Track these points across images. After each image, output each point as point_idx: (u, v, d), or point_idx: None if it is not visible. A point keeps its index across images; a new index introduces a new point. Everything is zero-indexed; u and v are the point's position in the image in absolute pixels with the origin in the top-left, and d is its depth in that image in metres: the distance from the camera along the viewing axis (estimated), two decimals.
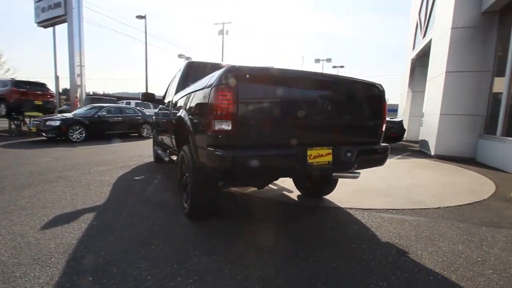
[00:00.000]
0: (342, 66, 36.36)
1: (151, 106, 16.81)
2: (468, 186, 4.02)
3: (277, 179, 3.07)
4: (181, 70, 3.64)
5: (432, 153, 6.77)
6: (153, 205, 2.86)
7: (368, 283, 1.59)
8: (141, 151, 6.85)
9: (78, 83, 12.14)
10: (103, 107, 9.39)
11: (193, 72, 3.47)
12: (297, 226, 2.45)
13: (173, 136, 3.20)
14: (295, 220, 2.59)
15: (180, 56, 30.93)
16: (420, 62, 11.12)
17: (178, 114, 2.62)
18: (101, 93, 43.60)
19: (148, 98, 4.62)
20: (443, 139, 6.70)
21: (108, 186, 3.52)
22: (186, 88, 2.88)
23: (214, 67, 3.56)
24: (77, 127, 8.15)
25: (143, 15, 21.69)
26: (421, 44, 9.88)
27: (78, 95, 12.13)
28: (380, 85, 2.40)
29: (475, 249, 2.06)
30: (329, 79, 2.20)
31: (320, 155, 2.01)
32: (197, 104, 2.11)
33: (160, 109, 4.46)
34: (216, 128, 1.75)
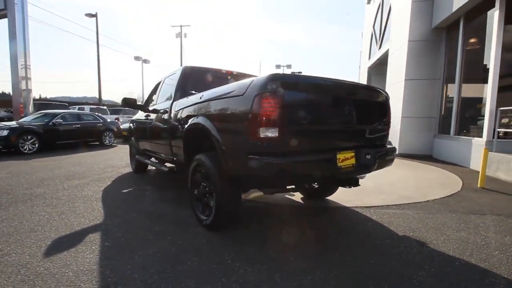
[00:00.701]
0: (300, 72, 38.58)
1: (108, 112, 15.57)
2: (439, 180, 4.55)
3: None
4: (176, 76, 3.46)
5: (396, 152, 7.50)
6: (159, 218, 2.66)
7: (410, 274, 1.72)
8: (111, 161, 6.29)
9: (23, 87, 10.60)
10: (58, 113, 8.38)
11: (191, 78, 3.33)
12: (315, 227, 2.51)
13: (176, 145, 3.03)
14: (311, 222, 2.65)
15: (136, 58, 29.00)
16: (376, 71, 12.28)
17: (193, 122, 2.49)
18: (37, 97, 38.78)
19: (129, 103, 4.29)
20: (404, 139, 7.48)
21: (96, 202, 3.17)
22: (193, 96, 2.76)
23: (217, 73, 3.48)
24: (28, 137, 7.12)
25: (93, 13, 20.08)
26: (377, 54, 10.92)
27: (23, 100, 10.58)
28: (386, 92, 2.62)
29: (475, 234, 2.35)
30: (355, 86, 2.34)
31: (346, 158, 2.11)
32: (231, 112, 2.05)
33: (146, 116, 4.16)
34: (261, 136, 1.72)
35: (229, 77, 3.55)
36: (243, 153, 1.85)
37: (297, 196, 3.48)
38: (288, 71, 33.68)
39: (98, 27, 20.07)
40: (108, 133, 9.50)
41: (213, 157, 2.27)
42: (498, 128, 4.89)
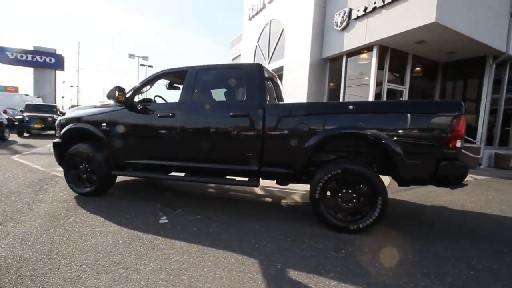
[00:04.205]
0: (151, 66, 36.11)
1: None
2: None
3: None
4: (241, 73, 3.09)
5: None
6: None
7: None
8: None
9: None
10: None
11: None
12: (386, 222, 3.31)
13: (278, 152, 2.83)
14: None
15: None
16: None
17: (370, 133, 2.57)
18: None
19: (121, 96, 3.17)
20: None
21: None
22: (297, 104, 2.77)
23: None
24: None
25: None
26: (267, 67, 12.80)
27: None
28: None
29: (482, 196, 4.11)
30: None
31: None
32: (421, 127, 2.51)
33: (163, 115, 3.16)
34: (457, 146, 2.36)
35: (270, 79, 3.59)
36: (434, 159, 2.40)
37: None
38: (145, 63, 30.55)
39: None
40: None
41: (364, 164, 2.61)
42: None
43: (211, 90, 3.48)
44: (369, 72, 8.20)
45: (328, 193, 2.71)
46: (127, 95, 3.33)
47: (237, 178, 3.08)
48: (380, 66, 8.12)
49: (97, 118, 3.47)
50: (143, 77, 37.48)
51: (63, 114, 18.45)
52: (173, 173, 3.49)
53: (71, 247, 2.15)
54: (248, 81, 3.01)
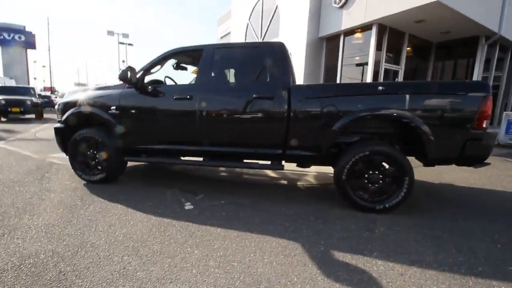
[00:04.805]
0: (131, 44, 34.30)
1: None
2: None
3: None
4: (264, 52, 2.97)
5: None
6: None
7: None
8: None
9: None
10: None
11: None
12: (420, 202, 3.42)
13: (306, 134, 2.77)
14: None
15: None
16: None
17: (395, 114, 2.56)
18: None
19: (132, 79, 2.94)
20: None
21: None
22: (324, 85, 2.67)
23: None
24: None
25: None
26: None
27: None
28: None
29: (481, 173, 4.29)
30: None
31: None
32: (451, 108, 2.51)
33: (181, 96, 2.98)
34: (484, 126, 2.40)
35: None
36: (461, 140, 2.44)
37: None
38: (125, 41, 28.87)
39: None
40: None
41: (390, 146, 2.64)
42: None
43: (231, 70, 3.30)
44: (367, 51, 8.15)
45: (355, 174, 2.73)
46: (137, 76, 3.10)
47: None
48: (378, 46, 8.09)
49: (104, 101, 3.22)
50: (123, 56, 35.54)
51: (42, 97, 17.30)
52: (188, 158, 3.38)
53: (104, 238, 2.05)
54: (272, 61, 2.87)
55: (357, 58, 8.78)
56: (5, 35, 24.17)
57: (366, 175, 2.70)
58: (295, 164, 3.10)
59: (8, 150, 5.32)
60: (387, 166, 2.67)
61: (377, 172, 2.68)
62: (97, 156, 3.30)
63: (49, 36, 33.57)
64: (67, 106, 3.43)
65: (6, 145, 5.89)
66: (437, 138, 2.53)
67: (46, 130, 8.52)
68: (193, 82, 3.96)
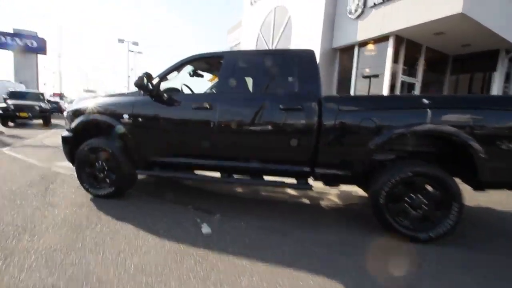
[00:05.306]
0: (140, 52, 35.02)
1: None
2: None
3: None
4: (295, 60, 2.73)
5: None
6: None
7: None
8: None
9: None
10: None
11: None
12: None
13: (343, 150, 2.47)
14: None
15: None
16: None
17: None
18: None
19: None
20: None
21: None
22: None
23: None
24: None
25: None
26: None
27: None
28: None
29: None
30: None
31: None
32: None
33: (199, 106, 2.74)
34: None
35: None
36: None
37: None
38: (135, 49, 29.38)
39: None
40: None
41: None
42: None
43: (254, 79, 3.06)
44: (383, 63, 7.92)
45: (394, 197, 2.42)
46: (154, 83, 2.88)
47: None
48: (395, 58, 7.86)
49: (117, 109, 2.99)
50: (132, 64, 36.02)
51: (51, 102, 17.36)
52: (202, 172, 3.11)
53: (112, 269, 1.76)
54: (300, 69, 2.63)
55: (371, 69, 8.56)
56: (18, 40, 24.62)
57: (407, 199, 2.39)
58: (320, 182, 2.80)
59: (13, 157, 5.11)
60: (430, 188, 2.37)
61: (420, 196, 2.37)
62: (106, 168, 3.05)
63: (61, 42, 34.28)
64: (76, 113, 3.21)
65: (11, 151, 5.69)
66: (492, 159, 2.23)
67: (54, 137, 8.36)
68: (208, 90, 3.76)
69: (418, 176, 2.33)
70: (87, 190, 3.11)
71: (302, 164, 2.61)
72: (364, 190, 3.04)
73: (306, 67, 2.62)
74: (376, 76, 8.34)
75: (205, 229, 2.43)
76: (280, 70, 2.82)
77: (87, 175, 3.11)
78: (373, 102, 2.56)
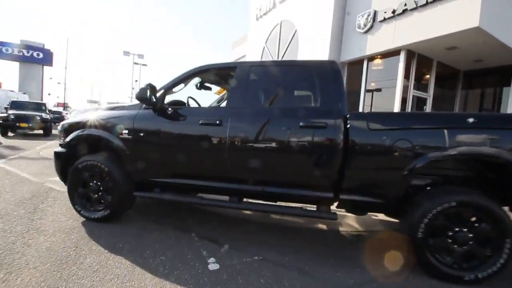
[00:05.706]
0: (145, 65, 35.12)
1: None
2: None
3: None
4: (315, 72, 2.43)
5: None
6: None
7: None
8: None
9: None
10: None
11: None
12: None
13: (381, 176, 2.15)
14: None
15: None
16: None
17: None
18: None
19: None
20: None
21: None
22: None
23: None
24: None
25: None
26: None
27: None
28: None
29: None
30: None
31: None
32: None
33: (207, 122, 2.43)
34: None
35: None
36: None
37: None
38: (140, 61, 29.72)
39: None
40: None
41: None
42: None
43: (270, 93, 2.76)
44: (394, 77, 7.70)
45: (435, 231, 2.06)
46: (158, 96, 2.60)
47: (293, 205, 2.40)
48: (406, 72, 7.64)
49: (115, 123, 2.70)
50: (137, 76, 36.26)
51: (53, 112, 17.24)
52: (205, 194, 2.79)
53: None
54: (323, 83, 2.34)
55: (381, 84, 8.33)
56: (25, 52, 24.91)
57: (450, 233, 2.04)
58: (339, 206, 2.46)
59: (6, 171, 4.81)
60: (475, 220, 2.02)
61: (465, 230, 2.02)
62: (102, 188, 2.73)
63: (67, 55, 34.72)
64: (72, 127, 2.92)
65: (5, 164, 5.40)
66: None
67: (51, 148, 8.08)
68: (215, 103, 3.48)
69: (463, 206, 1.99)
70: (79, 212, 2.77)
71: (324, 189, 2.27)
72: (393, 217, 2.69)
73: (329, 80, 2.33)
74: (385, 90, 8.11)
75: (212, 265, 2.07)
76: (300, 83, 2.55)
77: (80, 196, 2.78)
78: (409, 119, 2.25)
